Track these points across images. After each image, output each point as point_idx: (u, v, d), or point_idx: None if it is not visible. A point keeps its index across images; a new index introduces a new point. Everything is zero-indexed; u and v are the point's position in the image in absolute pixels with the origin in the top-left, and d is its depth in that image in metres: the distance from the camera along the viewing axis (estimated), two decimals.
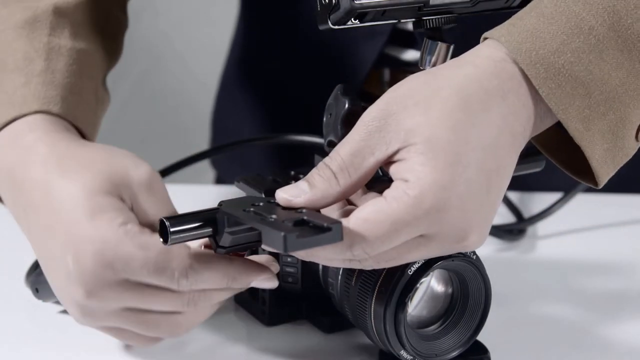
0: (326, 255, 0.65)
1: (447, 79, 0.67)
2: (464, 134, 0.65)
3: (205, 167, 1.30)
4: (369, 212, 0.64)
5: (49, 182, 0.72)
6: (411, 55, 1.05)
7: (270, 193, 0.72)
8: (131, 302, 0.70)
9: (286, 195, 0.66)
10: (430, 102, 0.66)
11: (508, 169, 0.67)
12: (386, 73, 1.07)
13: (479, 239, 0.67)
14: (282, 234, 0.61)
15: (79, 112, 0.80)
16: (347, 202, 0.69)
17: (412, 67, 1.06)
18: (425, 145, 0.64)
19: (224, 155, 1.21)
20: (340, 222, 0.63)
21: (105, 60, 0.88)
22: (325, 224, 0.62)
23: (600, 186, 0.71)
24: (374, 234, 0.63)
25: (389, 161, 0.66)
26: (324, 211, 0.67)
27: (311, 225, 0.63)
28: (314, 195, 0.65)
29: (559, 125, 0.69)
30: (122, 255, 0.68)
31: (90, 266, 0.69)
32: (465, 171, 0.64)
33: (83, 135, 0.80)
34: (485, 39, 0.69)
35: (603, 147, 0.69)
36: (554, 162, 0.74)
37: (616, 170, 0.71)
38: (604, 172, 0.70)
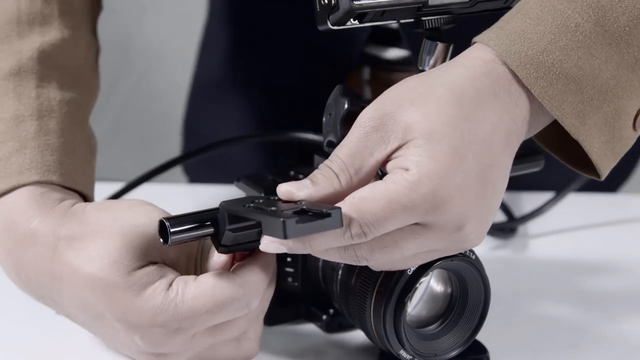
0: (324, 242, 0.65)
1: (439, 79, 0.68)
2: (460, 128, 0.65)
3: (177, 174, 1.28)
4: (366, 192, 0.65)
5: (77, 269, 0.70)
6: (392, 53, 1.06)
7: (270, 192, 0.72)
8: (204, 346, 0.72)
9: (289, 187, 0.66)
10: (425, 100, 0.66)
11: (503, 166, 0.68)
12: (366, 72, 1.08)
13: (477, 231, 0.67)
14: (282, 219, 0.62)
15: (77, 173, 0.77)
16: None
17: (393, 66, 1.06)
18: (423, 139, 0.65)
19: (196, 160, 1.20)
20: (339, 208, 0.63)
21: (90, 102, 0.84)
22: (324, 210, 0.63)
23: (603, 178, 0.72)
24: (370, 210, 0.64)
25: (388, 160, 0.66)
26: None
27: (310, 213, 0.63)
28: (317, 191, 0.66)
29: (557, 122, 0.69)
30: (184, 315, 0.69)
31: (160, 338, 0.70)
32: (462, 163, 0.65)
33: (83, 196, 0.77)
34: (475, 43, 0.70)
35: (601, 140, 0.69)
36: (556, 158, 0.75)
37: (617, 160, 0.72)
38: (605, 164, 0.71)
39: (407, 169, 0.64)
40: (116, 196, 0.93)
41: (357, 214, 0.64)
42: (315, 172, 0.67)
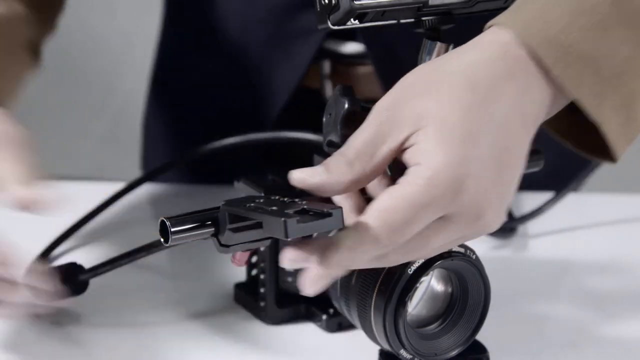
0: (360, 260, 0.64)
1: (453, 65, 0.67)
2: (473, 113, 0.65)
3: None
4: (385, 201, 0.64)
5: None
6: (351, 47, 1.05)
7: (270, 192, 0.72)
8: None
9: (302, 174, 0.66)
10: (438, 87, 0.66)
11: (520, 149, 0.67)
12: (326, 66, 1.07)
13: (496, 217, 0.66)
14: (283, 219, 0.62)
15: None
16: (363, 196, 0.69)
17: (352, 59, 1.06)
18: (435, 126, 0.65)
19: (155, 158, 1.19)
20: (340, 208, 0.63)
21: (32, 25, 0.88)
22: (325, 210, 0.63)
23: (617, 160, 0.71)
24: (395, 220, 0.63)
25: (402, 148, 0.66)
26: (335, 199, 0.67)
27: (312, 213, 0.63)
28: (329, 178, 0.65)
29: (569, 109, 0.69)
30: None
31: None
32: (477, 148, 0.64)
33: None
34: (489, 27, 0.69)
35: (617, 122, 0.69)
36: (567, 145, 0.75)
37: (631, 143, 0.71)
38: (620, 147, 0.70)
39: (419, 164, 0.64)
40: (117, 196, 0.93)
41: (382, 228, 0.63)
42: (329, 159, 0.66)
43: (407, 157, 0.65)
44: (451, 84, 0.66)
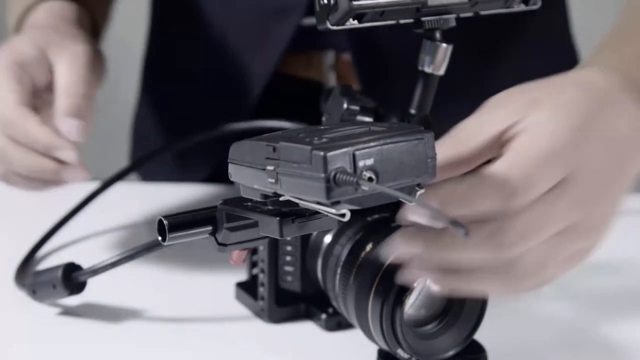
0: (481, 203, 0.62)
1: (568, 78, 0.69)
2: (592, 114, 0.65)
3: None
4: (510, 155, 0.63)
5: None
6: None
7: None
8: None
9: None
10: (558, 90, 0.66)
11: (630, 172, 0.67)
12: (329, 56, 1.07)
13: (604, 217, 0.66)
14: (278, 219, 0.62)
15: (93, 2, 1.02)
16: None
17: None
18: (549, 109, 0.64)
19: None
20: None
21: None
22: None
23: None
24: (518, 167, 0.62)
25: (512, 134, 0.64)
26: None
27: (307, 213, 0.64)
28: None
29: None
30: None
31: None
32: (588, 142, 0.64)
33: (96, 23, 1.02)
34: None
35: None
36: None
37: None
38: None
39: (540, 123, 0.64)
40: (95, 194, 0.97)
41: (507, 174, 0.62)
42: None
43: (522, 126, 0.64)
44: (570, 91, 0.66)
